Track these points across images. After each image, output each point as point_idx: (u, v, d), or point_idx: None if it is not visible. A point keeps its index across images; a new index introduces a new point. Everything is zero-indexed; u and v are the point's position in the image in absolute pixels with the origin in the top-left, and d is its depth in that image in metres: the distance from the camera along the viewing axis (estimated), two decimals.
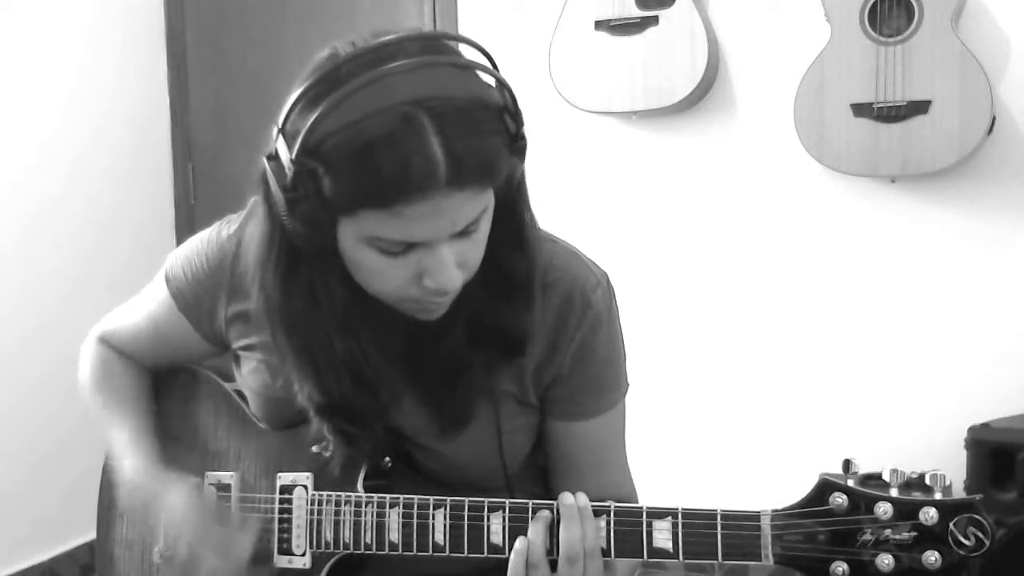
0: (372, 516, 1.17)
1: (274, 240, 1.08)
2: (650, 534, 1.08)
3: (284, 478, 1.24)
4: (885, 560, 1.00)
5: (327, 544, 1.20)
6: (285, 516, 1.23)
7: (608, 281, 1.24)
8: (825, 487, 1.04)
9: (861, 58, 2.61)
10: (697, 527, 1.07)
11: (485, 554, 1.12)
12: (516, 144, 1.02)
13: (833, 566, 1.02)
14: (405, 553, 1.16)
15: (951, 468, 1.51)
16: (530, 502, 1.12)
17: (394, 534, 1.16)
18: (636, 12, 2.82)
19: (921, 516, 1.00)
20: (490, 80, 1.02)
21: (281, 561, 1.22)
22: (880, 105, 2.59)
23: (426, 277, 1.04)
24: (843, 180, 2.80)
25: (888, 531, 1.01)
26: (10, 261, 3.03)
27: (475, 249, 1.07)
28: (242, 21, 3.53)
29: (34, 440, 3.06)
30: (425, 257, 1.03)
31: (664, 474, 2.63)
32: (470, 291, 1.11)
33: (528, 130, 1.04)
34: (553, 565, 1.10)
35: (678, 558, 1.07)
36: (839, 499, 1.02)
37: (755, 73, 2.92)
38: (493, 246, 1.10)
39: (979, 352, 2.77)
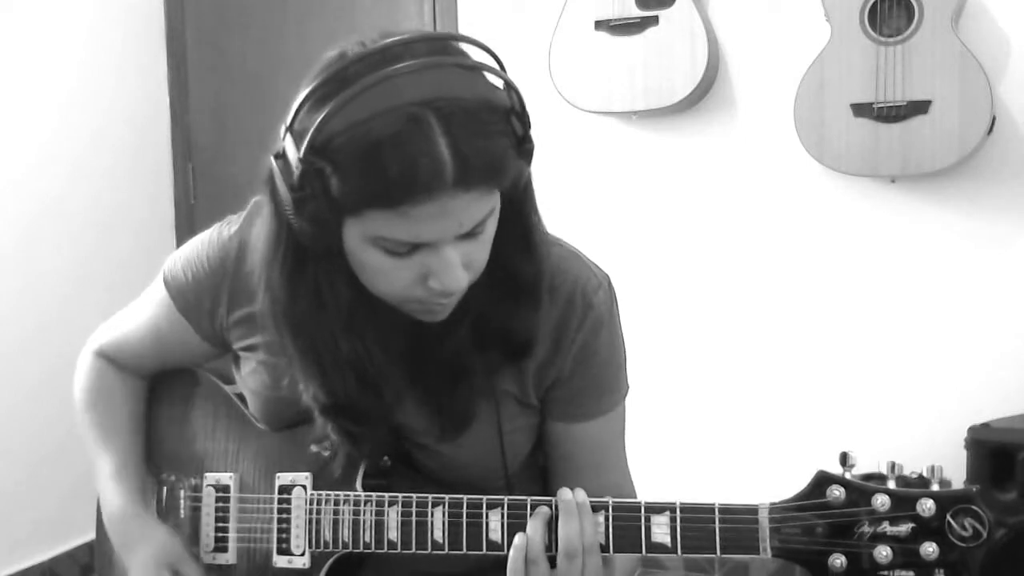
0: (371, 515, 1.17)
1: (280, 239, 1.08)
2: (648, 529, 1.08)
3: (283, 478, 1.24)
4: (883, 552, 1.00)
5: (326, 544, 1.19)
6: (284, 516, 1.23)
7: (609, 283, 1.24)
8: (823, 480, 1.04)
9: (861, 58, 2.61)
10: (695, 521, 1.07)
11: (484, 551, 1.12)
12: (523, 147, 1.02)
13: (831, 559, 1.02)
14: (404, 551, 1.15)
15: (951, 468, 1.50)
16: (528, 498, 1.12)
17: (393, 533, 1.16)
18: (636, 12, 2.82)
19: (918, 508, 1.00)
20: (498, 82, 1.02)
21: (280, 561, 1.22)
22: (880, 105, 2.59)
23: (431, 278, 1.04)
24: (843, 180, 2.80)
25: (886, 523, 1.01)
26: (10, 261, 3.03)
27: (481, 250, 1.07)
28: (242, 21, 3.53)
29: (34, 440, 3.06)
30: (431, 258, 1.03)
31: (664, 471, 2.63)
32: (475, 293, 1.11)
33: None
34: (552, 561, 1.10)
35: (676, 552, 1.07)
36: (836, 492, 1.03)
37: (755, 73, 2.92)
38: (500, 248, 1.10)
39: (979, 352, 2.77)
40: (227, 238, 1.26)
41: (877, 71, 2.59)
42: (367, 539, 1.17)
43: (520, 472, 1.28)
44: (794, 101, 2.70)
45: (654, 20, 2.81)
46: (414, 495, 1.16)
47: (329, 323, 1.11)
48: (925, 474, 1.02)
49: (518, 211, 1.11)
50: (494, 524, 1.12)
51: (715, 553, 1.06)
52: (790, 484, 1.07)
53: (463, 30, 3.15)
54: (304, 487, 1.22)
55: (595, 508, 1.10)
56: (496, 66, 1.03)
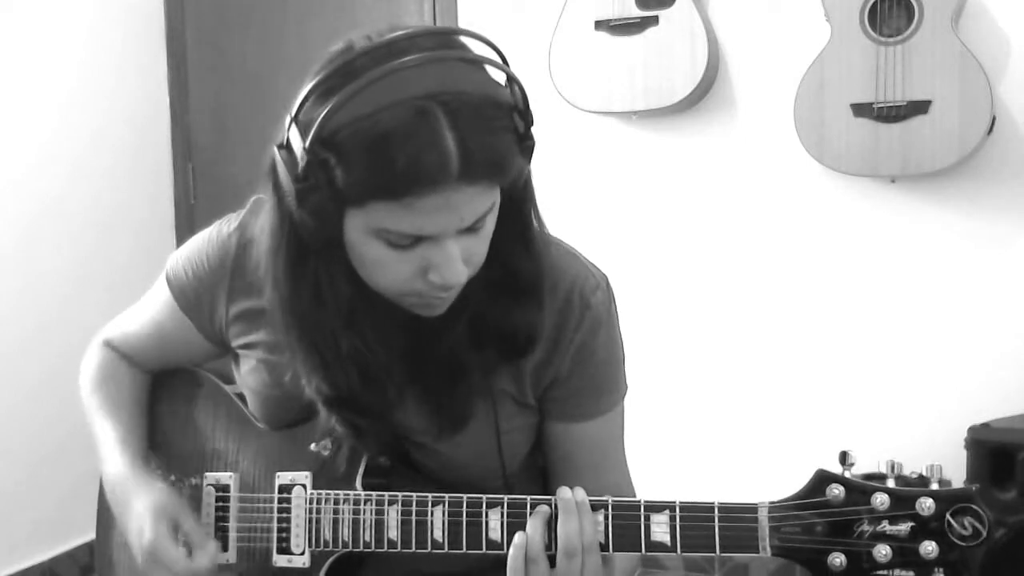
0: (371, 514, 1.17)
1: (282, 231, 1.08)
2: (648, 527, 1.08)
3: (283, 477, 1.24)
4: (882, 551, 1.00)
5: (326, 543, 1.19)
6: (284, 515, 1.23)
7: (607, 283, 1.24)
8: (822, 479, 1.04)
9: (861, 58, 2.61)
10: (695, 520, 1.07)
11: (484, 550, 1.12)
12: (525, 143, 1.03)
13: (831, 557, 1.02)
14: (404, 551, 1.15)
15: (951, 468, 1.50)
16: (528, 497, 1.12)
17: (393, 532, 1.16)
18: (636, 12, 2.82)
19: (918, 507, 1.00)
20: (502, 78, 1.03)
21: (280, 560, 1.22)
22: (880, 105, 2.59)
23: (432, 271, 1.05)
24: (843, 180, 2.79)
25: (885, 522, 1.01)
26: (10, 261, 3.03)
27: (480, 245, 1.07)
28: (242, 21, 3.53)
29: (34, 440, 3.06)
30: (431, 251, 1.03)
31: (663, 470, 2.63)
32: (473, 289, 1.11)
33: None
34: (552, 560, 1.10)
35: (676, 551, 1.07)
36: (836, 490, 1.03)
37: (755, 73, 2.92)
38: (499, 246, 1.10)
39: (979, 352, 2.77)
40: (227, 235, 1.26)
41: (877, 71, 2.59)
42: (367, 538, 1.17)
43: (519, 472, 1.28)
44: (794, 101, 2.70)
45: (654, 20, 2.81)
46: (414, 494, 1.16)
47: (330, 319, 1.11)
48: (925, 473, 1.02)
49: (518, 208, 1.12)
50: (494, 523, 1.12)
51: (715, 552, 1.05)
52: (790, 483, 1.07)
53: None
54: (304, 486, 1.22)
55: (594, 507, 1.10)
56: (501, 62, 1.03)
